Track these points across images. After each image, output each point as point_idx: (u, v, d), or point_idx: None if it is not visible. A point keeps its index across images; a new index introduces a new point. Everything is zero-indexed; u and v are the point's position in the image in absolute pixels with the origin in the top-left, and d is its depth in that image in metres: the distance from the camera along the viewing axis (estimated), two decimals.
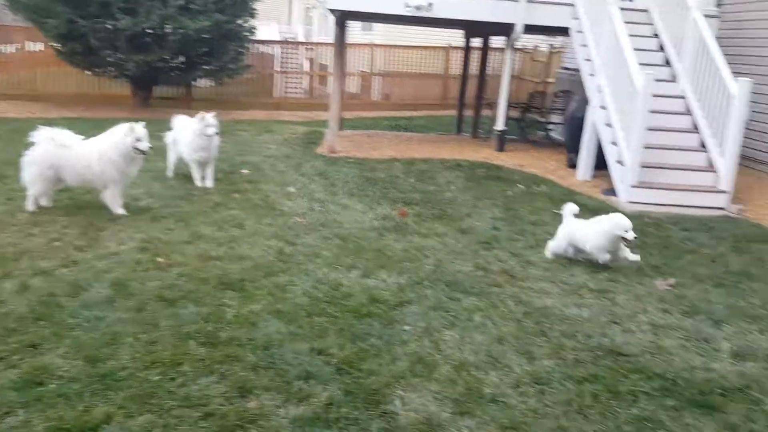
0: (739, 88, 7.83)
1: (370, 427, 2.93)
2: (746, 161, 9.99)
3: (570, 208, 5.83)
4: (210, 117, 7.47)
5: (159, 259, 5.02)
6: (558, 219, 7.11)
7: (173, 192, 7.36)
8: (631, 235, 5.29)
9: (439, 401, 3.15)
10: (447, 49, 18.76)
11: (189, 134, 7.59)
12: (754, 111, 9.66)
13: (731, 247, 6.37)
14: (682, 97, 9.03)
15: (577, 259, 5.61)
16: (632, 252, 5.48)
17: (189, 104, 15.04)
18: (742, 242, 6.58)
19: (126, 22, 12.72)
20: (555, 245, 5.76)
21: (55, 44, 14.19)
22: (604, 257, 5.41)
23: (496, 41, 13.64)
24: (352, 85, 18.76)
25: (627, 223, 5.35)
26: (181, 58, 14.49)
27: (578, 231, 5.64)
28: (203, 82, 16.46)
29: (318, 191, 7.81)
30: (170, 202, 6.89)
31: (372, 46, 18.43)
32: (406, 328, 4.00)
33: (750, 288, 5.17)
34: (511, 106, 12.29)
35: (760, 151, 10.14)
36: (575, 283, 5.09)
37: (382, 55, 18.54)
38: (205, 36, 13.70)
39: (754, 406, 3.25)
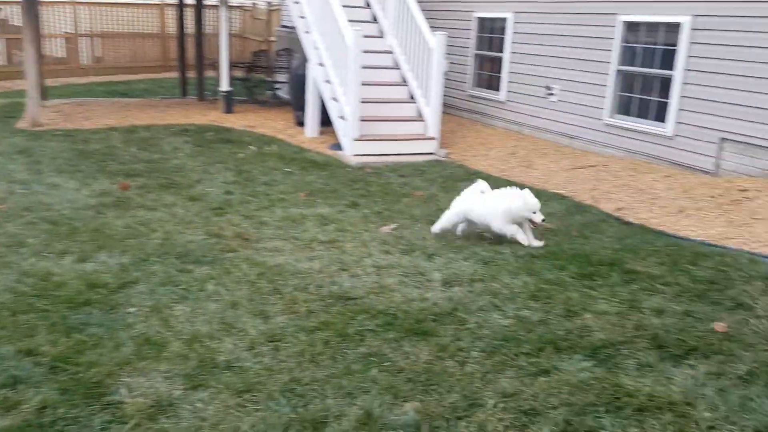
0: (436, 42, 8.65)
1: (92, 422, 2.70)
2: (450, 109, 11.20)
3: (480, 186, 5.36)
4: None
5: None
6: (289, 177, 7.26)
7: None
8: (539, 218, 5.07)
9: (170, 380, 3.01)
10: (161, 7, 17.59)
11: None
12: (452, 63, 10.80)
13: (441, 187, 7.13)
14: (390, 52, 9.71)
15: (462, 236, 5.42)
16: (537, 239, 5.18)
17: None
18: (450, 182, 7.40)
19: None
20: (446, 219, 5.41)
21: None
22: (512, 230, 5.11)
23: None
24: (57, 49, 16.65)
25: (535, 203, 5.08)
26: None
27: (478, 208, 5.23)
28: None
29: (19, 171, 6.86)
30: None
31: (74, 3, 16.48)
32: (131, 310, 3.74)
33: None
34: (235, 66, 12.04)
35: (458, 99, 11.41)
36: (306, 237, 5.24)
37: (88, 13, 16.70)
38: None
39: (460, 325, 3.69)
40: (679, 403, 2.92)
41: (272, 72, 13.13)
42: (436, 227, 5.46)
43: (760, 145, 6.96)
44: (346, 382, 3.06)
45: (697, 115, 7.61)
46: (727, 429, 2.74)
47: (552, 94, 9.55)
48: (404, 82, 9.45)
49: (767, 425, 2.76)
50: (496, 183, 7.51)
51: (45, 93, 10.97)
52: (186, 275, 4.31)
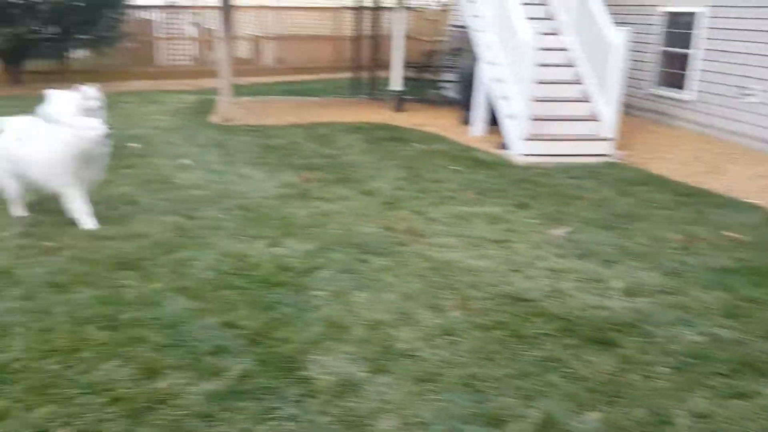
0: (619, 38, 8.23)
1: (287, 393, 2.91)
2: (628, 109, 10.60)
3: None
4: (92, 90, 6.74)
5: (45, 243, 4.69)
6: (457, 175, 7.31)
7: None
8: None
9: (354, 361, 3.17)
10: (337, 10, 18.46)
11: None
12: (632, 60, 10.21)
13: (616, 191, 6.78)
14: (565, 50, 9.39)
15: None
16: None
17: (65, 77, 14.00)
18: (626, 186, 7.01)
19: None
20: None
21: None
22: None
23: (387, 1, 13.56)
24: (243, 51, 18.13)
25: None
26: (55, 29, 13.41)
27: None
28: (80, 54, 15.35)
29: (215, 162, 7.55)
30: None
31: (260, 8, 17.82)
32: (318, 293, 3.98)
33: (636, 228, 5.52)
34: (406, 66, 12.32)
35: (639, 98, 10.77)
36: (476, 236, 5.24)
37: (273, 17, 18.00)
38: (78, 3, 12.72)
39: (646, 338, 3.50)
40: None
41: (441, 71, 13.27)
42: None
43: None
44: (523, 383, 3.03)
45: None
46: None
47: (751, 95, 8.70)
48: (578, 81, 9.10)
49: None
50: (677, 189, 7.05)
51: (234, 91, 11.95)
52: (364, 265, 4.50)
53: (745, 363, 3.22)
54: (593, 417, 2.75)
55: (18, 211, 5.24)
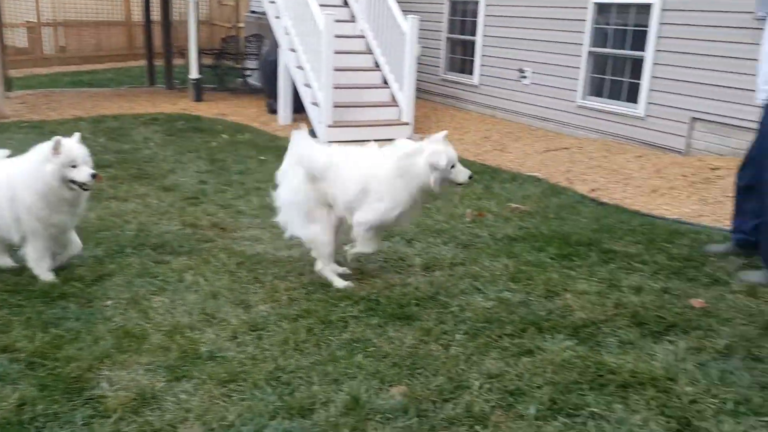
0: (409, 26, 8.59)
1: (73, 417, 2.64)
2: (424, 94, 11.17)
3: None
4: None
5: None
6: (264, 166, 7.18)
7: None
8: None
9: (152, 372, 2.96)
10: None
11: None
12: (423, 47, 10.74)
13: None
14: (362, 37, 9.63)
15: None
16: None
17: None
18: None
19: None
20: None
21: None
22: None
23: None
24: (19, 39, 16.18)
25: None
26: None
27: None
28: None
29: None
30: None
31: None
32: (108, 302, 3.67)
33: (434, 207, 5.82)
34: (203, 53, 11.84)
35: (431, 83, 11.38)
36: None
37: (50, 0, 16.24)
38: None
39: (443, 309, 3.69)
40: (661, 378, 2.96)
41: (242, 59, 12.95)
42: None
43: (730, 124, 7.08)
44: (331, 368, 3.04)
45: (667, 96, 7.71)
46: (709, 402, 2.79)
47: (525, 77, 9.58)
48: (377, 67, 9.39)
49: (746, 398, 2.82)
50: (470, 168, 7.55)
51: (9, 84, 10.65)
52: (163, 266, 4.23)
53: (530, 322, 3.52)
54: (397, 391, 2.84)
55: None
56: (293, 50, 9.04)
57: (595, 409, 2.75)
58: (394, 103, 9.04)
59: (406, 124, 8.82)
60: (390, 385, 2.91)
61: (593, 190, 6.59)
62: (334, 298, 3.80)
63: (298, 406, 2.74)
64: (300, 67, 8.92)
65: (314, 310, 3.65)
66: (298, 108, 9.32)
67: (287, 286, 3.98)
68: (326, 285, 3.99)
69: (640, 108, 8.01)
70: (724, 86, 7.08)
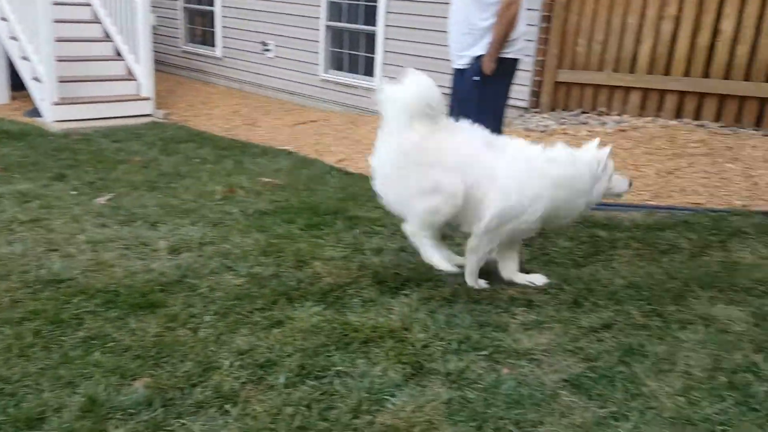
0: None
1: None
2: (164, 66, 10.57)
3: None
4: None
5: None
6: None
7: None
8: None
9: None
10: None
11: None
12: (158, 16, 10.14)
13: (161, 151, 6.75)
14: (89, 5, 8.77)
15: None
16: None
17: None
18: (171, 144, 7.05)
19: None
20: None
21: None
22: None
23: None
24: None
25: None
26: None
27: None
28: None
29: None
30: None
31: None
32: None
33: (182, 186, 5.61)
34: None
35: (172, 56, 10.82)
36: (5, 219, 4.59)
37: None
38: None
39: (191, 292, 3.58)
40: (398, 329, 3.23)
41: None
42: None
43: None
44: (64, 371, 2.78)
45: (398, 69, 8.27)
46: (437, 345, 3.11)
47: (269, 50, 9.57)
48: (108, 38, 8.63)
49: (467, 336, 3.20)
50: (219, 144, 7.39)
51: None
52: None
53: (280, 294, 3.58)
54: (140, 384, 2.70)
55: None
56: (4, 19, 7.90)
57: (340, 368, 2.90)
58: (131, 76, 8.42)
59: (147, 99, 8.29)
60: (132, 379, 2.75)
61: (340, 160, 6.87)
62: (65, 294, 3.47)
63: (25, 417, 2.47)
64: (14, 38, 7.83)
65: (43, 310, 3.29)
66: (18, 85, 8.22)
67: (9, 287, 3.53)
68: (56, 280, 3.62)
69: (376, 81, 8.50)
70: (442, 59, 7.80)
